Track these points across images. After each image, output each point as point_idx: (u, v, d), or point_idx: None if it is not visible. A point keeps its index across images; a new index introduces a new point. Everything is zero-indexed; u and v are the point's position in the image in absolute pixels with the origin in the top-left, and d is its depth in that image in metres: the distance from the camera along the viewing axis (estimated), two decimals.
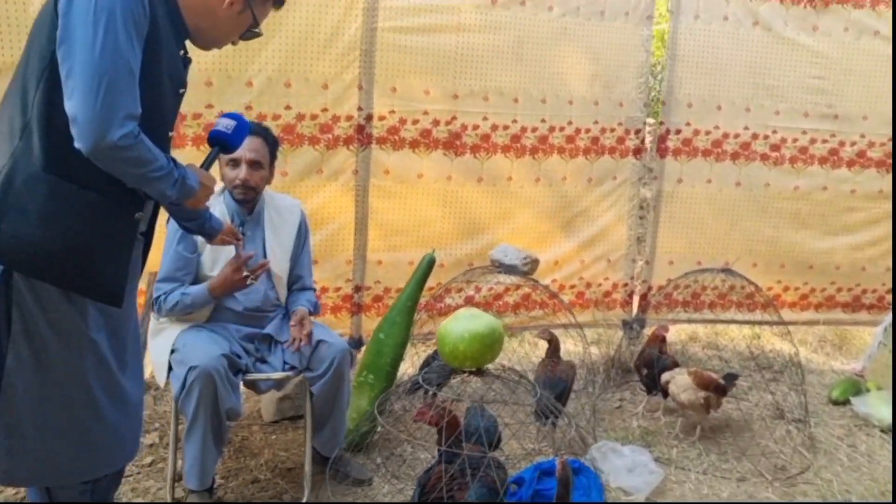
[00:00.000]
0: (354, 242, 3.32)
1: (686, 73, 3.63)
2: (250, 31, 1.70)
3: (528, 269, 2.85)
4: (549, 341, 2.91)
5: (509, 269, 2.85)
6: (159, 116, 1.56)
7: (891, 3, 3.72)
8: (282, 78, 3.00)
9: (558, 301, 3.21)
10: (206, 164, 1.77)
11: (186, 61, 1.67)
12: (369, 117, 3.18)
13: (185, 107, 2.84)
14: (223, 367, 2.09)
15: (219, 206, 2.33)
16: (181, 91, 1.66)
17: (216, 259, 2.31)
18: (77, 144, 1.40)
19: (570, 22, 3.44)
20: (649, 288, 3.86)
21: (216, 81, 2.88)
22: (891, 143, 3.87)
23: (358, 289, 3.39)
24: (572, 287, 3.77)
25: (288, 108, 3.04)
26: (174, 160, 1.59)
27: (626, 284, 3.84)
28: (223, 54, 2.85)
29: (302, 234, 2.55)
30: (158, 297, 2.29)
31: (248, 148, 2.30)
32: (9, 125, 1.50)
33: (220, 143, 1.78)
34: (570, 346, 3.78)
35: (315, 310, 2.55)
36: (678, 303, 3.91)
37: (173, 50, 1.59)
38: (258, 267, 2.23)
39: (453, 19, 3.22)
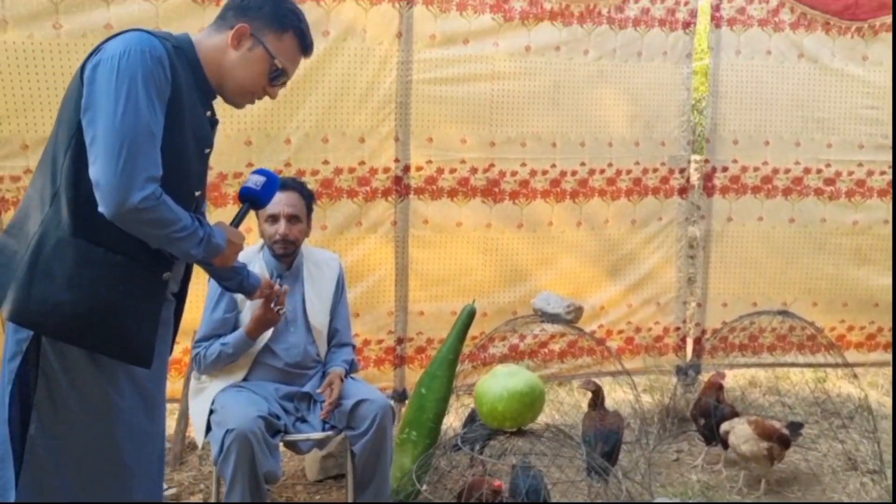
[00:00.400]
0: (396, 294, 3.29)
1: (730, 110, 3.53)
2: (275, 73, 1.63)
3: (571, 317, 2.76)
4: (594, 392, 2.79)
5: (552, 318, 2.77)
6: (183, 176, 1.57)
7: None
8: (319, 133, 3.03)
9: (605, 348, 3.09)
10: (236, 221, 1.76)
11: (213, 122, 1.68)
12: (407, 168, 3.18)
13: (226, 166, 2.96)
14: (260, 430, 2.06)
15: (258, 263, 2.34)
16: (206, 151, 1.67)
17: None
18: (100, 208, 1.42)
19: (607, 64, 3.40)
20: (703, 331, 3.71)
21: (255, 140, 2.93)
22: None
23: (400, 341, 3.34)
24: (620, 332, 3.65)
25: (326, 162, 3.06)
26: (200, 219, 1.59)
27: (677, 328, 3.70)
28: (261, 113, 2.91)
29: (340, 287, 2.54)
30: (198, 354, 2.29)
31: (286, 203, 2.31)
32: (40, 194, 1.54)
33: (250, 199, 1.77)
34: (619, 395, 3.63)
35: (352, 368, 2.52)
36: (735, 346, 3.73)
37: (198, 112, 1.60)
38: (282, 294, 2.20)
39: (488, 68, 3.22)
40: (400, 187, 3.19)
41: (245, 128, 2.91)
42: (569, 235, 3.51)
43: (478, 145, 3.28)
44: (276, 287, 2.13)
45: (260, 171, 1.80)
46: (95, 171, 1.42)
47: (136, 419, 1.61)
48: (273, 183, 1.78)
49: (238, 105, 1.70)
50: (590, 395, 2.81)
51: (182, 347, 2.98)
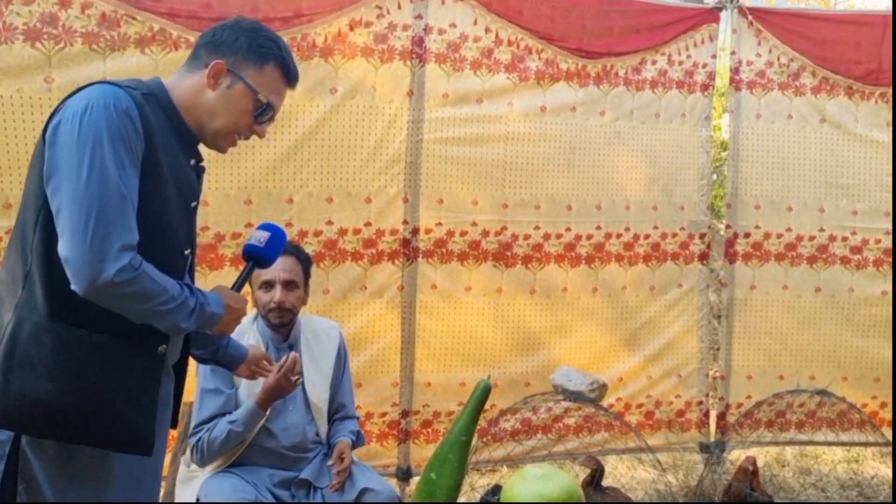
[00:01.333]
0: (401, 363, 3.09)
1: (751, 174, 3.40)
2: (261, 109, 1.47)
3: (595, 395, 2.54)
4: (593, 470, 2.52)
5: (574, 396, 2.55)
6: (168, 236, 1.42)
7: None
8: (323, 193, 2.88)
9: (625, 424, 2.86)
10: (239, 284, 1.59)
11: (199, 170, 1.52)
12: (415, 230, 3.02)
13: (224, 226, 2.79)
14: None
15: (252, 334, 2.15)
16: (193, 205, 1.51)
17: (253, 392, 2.08)
18: (73, 286, 1.26)
19: (624, 126, 3.29)
20: (727, 406, 3.48)
21: (256, 199, 2.78)
22: None
23: (405, 414, 3.12)
24: (640, 406, 3.42)
25: (330, 223, 2.91)
26: (190, 286, 1.42)
27: (700, 402, 3.47)
28: (262, 170, 2.77)
29: (341, 358, 2.35)
30: (200, 441, 2.05)
31: (282, 268, 2.14)
32: (11, 275, 1.37)
33: (254, 257, 1.62)
34: (641, 475, 3.39)
35: (359, 440, 2.34)
36: (761, 423, 3.49)
37: (180, 161, 1.45)
38: (294, 361, 2.01)
39: (501, 129, 3.11)
40: (408, 250, 3.02)
41: (245, 186, 2.77)
42: (584, 302, 3.33)
43: (490, 207, 3.14)
44: (270, 361, 1.91)
45: (265, 226, 1.65)
46: (63, 246, 1.27)
47: None
48: (279, 238, 1.63)
49: (220, 149, 1.53)
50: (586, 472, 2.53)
51: None
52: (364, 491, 2.03)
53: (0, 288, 1.40)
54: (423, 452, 3.15)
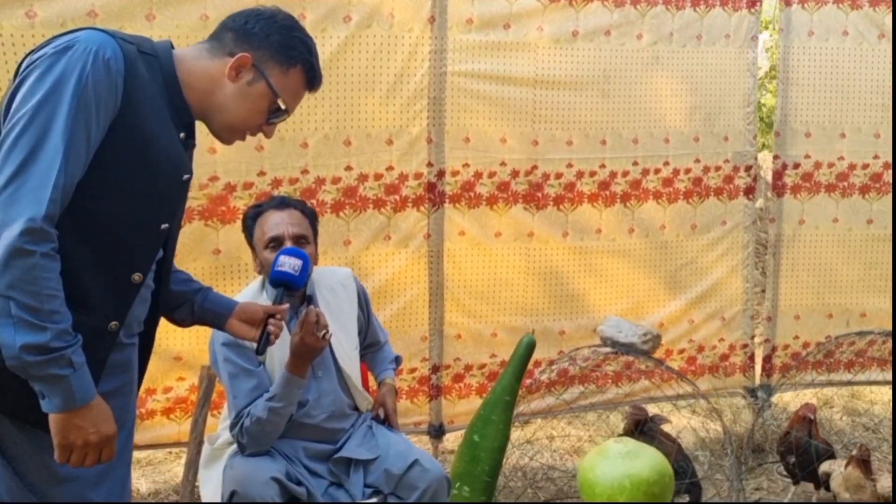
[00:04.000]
0: (429, 316, 2.90)
1: (801, 99, 3.13)
2: (276, 112, 1.39)
3: (648, 346, 2.35)
4: (637, 421, 2.36)
5: (626, 349, 2.36)
6: (143, 206, 1.30)
7: None
8: (340, 135, 2.63)
9: (676, 374, 2.68)
10: (278, 303, 1.63)
11: (188, 145, 1.38)
12: (441, 173, 2.78)
13: (234, 175, 2.54)
14: (272, 496, 1.67)
15: (262, 301, 1.93)
16: (185, 177, 1.37)
17: (282, 360, 1.88)
18: None
19: (663, 50, 3.00)
20: (773, 348, 3.30)
21: (267, 144, 2.53)
22: None
23: (436, 368, 2.95)
24: (681, 352, 3.24)
25: (349, 168, 2.66)
26: (73, 342, 1.18)
27: (745, 345, 3.29)
28: None
29: (363, 304, 2.15)
30: (242, 427, 1.84)
31: (290, 221, 1.92)
32: None
33: (286, 285, 1.67)
34: (681, 422, 3.23)
35: (398, 363, 2.26)
36: (808, 364, 3.32)
37: (170, 133, 1.31)
38: (316, 314, 1.81)
39: (530, 57, 2.82)
40: (433, 195, 2.79)
41: None
42: (620, 243, 3.11)
43: (519, 145, 2.89)
44: (283, 309, 1.66)
45: (293, 252, 1.73)
46: None
47: (87, 492, 1.31)
48: (307, 265, 1.73)
49: (225, 141, 1.43)
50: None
51: (189, 384, 2.62)
52: (413, 464, 1.84)
53: None
54: (455, 408, 3.00)
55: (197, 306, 1.58)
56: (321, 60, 2.47)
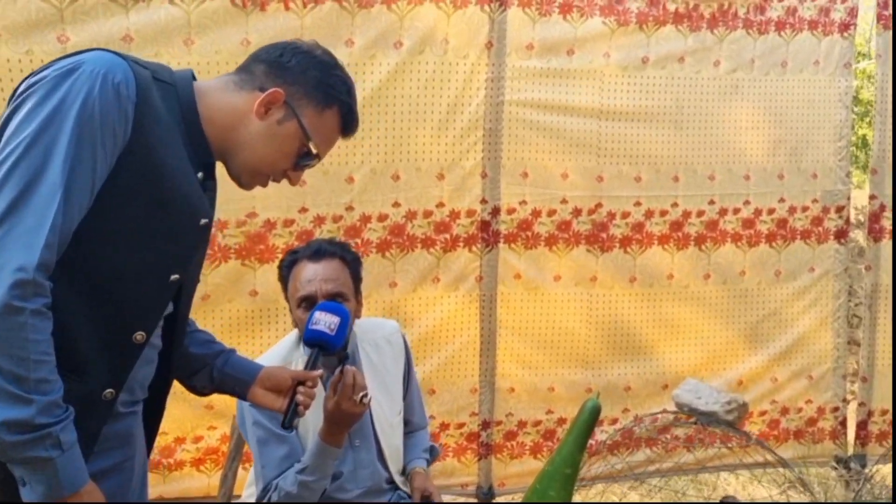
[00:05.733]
0: (480, 366, 2.65)
1: None
2: (305, 157, 1.23)
3: (733, 417, 2.05)
4: None
5: (706, 418, 2.05)
6: (150, 251, 1.12)
7: None
8: (388, 170, 2.44)
9: (762, 447, 2.35)
10: (311, 367, 1.42)
11: (207, 186, 1.20)
12: (495, 211, 2.55)
13: (274, 211, 2.35)
14: None
15: (298, 360, 1.71)
16: (203, 222, 1.18)
17: (316, 425, 1.65)
18: None
19: (743, 78, 2.73)
20: (869, 413, 2.91)
21: (310, 180, 2.35)
22: None
23: (486, 425, 2.68)
24: (763, 414, 2.90)
25: (396, 205, 2.46)
26: (65, 417, 1.00)
27: (836, 409, 2.92)
28: None
29: (408, 367, 1.90)
30: (267, 498, 1.64)
31: (323, 277, 1.67)
32: None
33: (321, 345, 1.46)
34: (761, 492, 2.87)
35: (432, 456, 1.95)
36: None
37: (185, 170, 1.14)
38: (355, 375, 1.58)
39: (595, 85, 2.59)
40: (487, 234, 2.56)
41: None
42: (694, 291, 2.81)
43: (582, 181, 2.65)
44: (315, 375, 1.43)
45: (329, 308, 1.51)
46: None
47: None
48: (347, 321, 1.50)
49: (244, 185, 1.25)
50: None
51: (220, 434, 2.43)
52: None
53: None
54: (506, 469, 2.73)
55: (216, 372, 1.39)
56: (369, 89, 2.33)
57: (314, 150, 1.21)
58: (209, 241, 1.31)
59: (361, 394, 1.54)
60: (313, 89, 1.20)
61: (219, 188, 2.25)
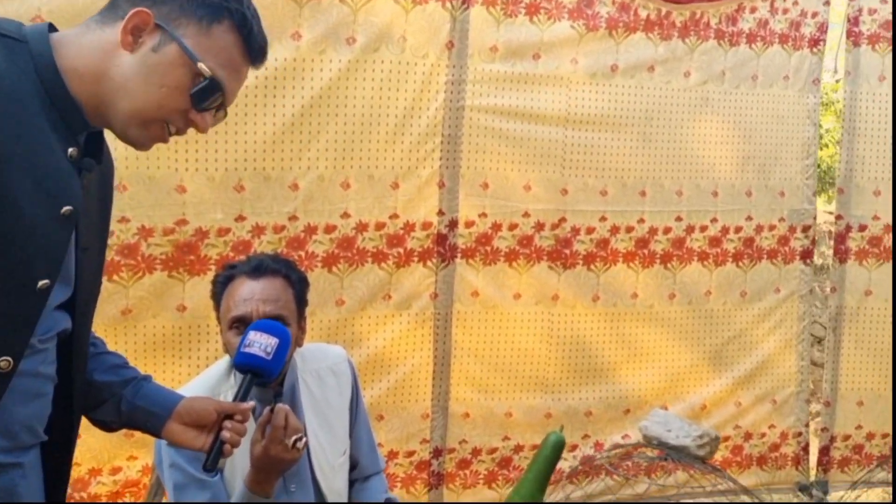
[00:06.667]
0: (433, 390, 2.47)
1: (870, 152, 2.73)
2: (202, 88, 0.98)
3: (705, 452, 1.91)
4: None
5: (676, 454, 1.91)
6: (14, 257, 0.90)
7: None
8: (337, 177, 2.23)
9: (734, 483, 2.22)
10: (241, 397, 1.21)
11: (84, 165, 0.97)
12: (453, 223, 2.38)
13: (207, 220, 2.09)
14: None
15: (227, 391, 1.49)
16: (65, 210, 0.94)
17: (245, 467, 1.43)
18: None
19: (713, 91, 2.62)
20: (832, 438, 2.84)
21: (249, 185, 2.13)
22: None
23: (438, 452, 2.50)
24: (726, 440, 2.78)
25: (346, 215, 2.26)
26: None
27: (798, 434, 2.83)
28: (257, 147, 2.11)
29: (354, 398, 1.69)
30: None
31: (263, 297, 1.45)
32: None
33: (254, 371, 1.25)
34: None
35: None
36: (872, 458, 2.86)
37: (47, 147, 0.92)
38: (284, 414, 1.36)
39: (562, 93, 2.44)
40: (444, 249, 2.38)
41: (235, 166, 2.11)
42: (658, 311, 2.69)
43: (546, 193, 2.50)
44: (245, 408, 1.20)
45: (265, 327, 1.31)
46: None
47: None
48: (287, 343, 1.30)
49: (138, 142, 1.02)
50: None
51: (141, 465, 2.19)
52: None
53: None
54: (458, 499, 2.55)
55: (125, 404, 1.16)
56: (317, 89, 2.12)
57: (208, 73, 0.97)
58: (103, 236, 1.09)
59: (294, 437, 1.33)
60: (190, 3, 0.99)
61: (145, 191, 2.00)
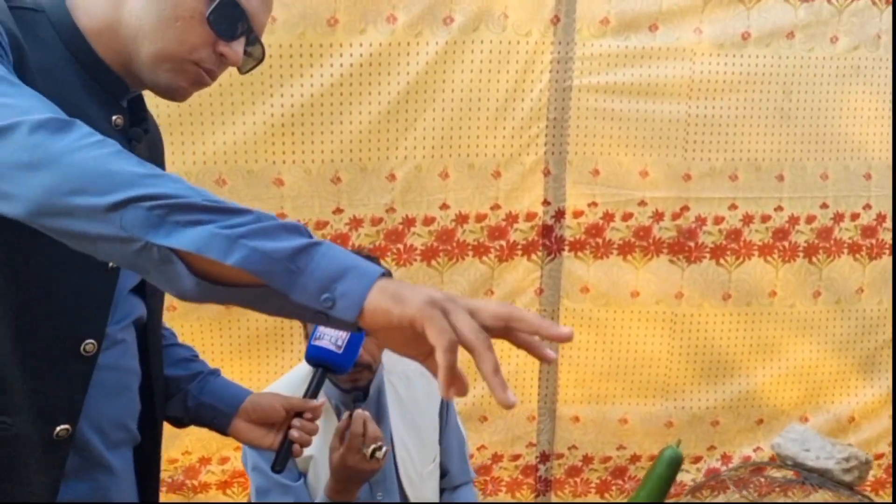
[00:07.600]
0: (539, 392, 2.34)
1: None
2: (220, 11, 0.86)
3: (852, 477, 1.63)
4: None
5: (817, 477, 1.65)
6: (44, 294, 0.84)
7: None
8: (436, 166, 2.13)
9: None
10: (311, 393, 1.12)
11: (133, 134, 0.91)
12: (560, 214, 2.21)
13: (305, 213, 2.08)
14: None
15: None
16: None
17: (328, 474, 1.38)
18: None
19: (866, 58, 2.27)
20: None
21: (346, 176, 2.08)
22: None
23: (545, 457, 2.36)
24: (879, 458, 2.43)
25: (444, 207, 2.16)
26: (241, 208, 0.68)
27: None
28: (354, 138, 2.05)
29: (445, 403, 1.59)
30: None
31: None
32: None
33: (325, 365, 1.16)
34: None
35: None
36: None
37: (89, 121, 0.77)
38: (364, 421, 1.29)
39: (684, 67, 2.20)
40: (549, 241, 2.23)
41: (331, 157, 2.07)
42: (801, 311, 2.39)
43: (665, 179, 2.27)
44: (316, 406, 1.13)
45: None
46: None
47: None
48: (357, 339, 1.17)
49: (174, 89, 0.91)
50: None
51: None
52: None
53: None
54: None
55: (191, 400, 1.11)
56: (413, 74, 2.03)
57: (241, 7, 0.87)
58: None
59: (373, 446, 1.24)
60: None
61: (245, 186, 1.97)
